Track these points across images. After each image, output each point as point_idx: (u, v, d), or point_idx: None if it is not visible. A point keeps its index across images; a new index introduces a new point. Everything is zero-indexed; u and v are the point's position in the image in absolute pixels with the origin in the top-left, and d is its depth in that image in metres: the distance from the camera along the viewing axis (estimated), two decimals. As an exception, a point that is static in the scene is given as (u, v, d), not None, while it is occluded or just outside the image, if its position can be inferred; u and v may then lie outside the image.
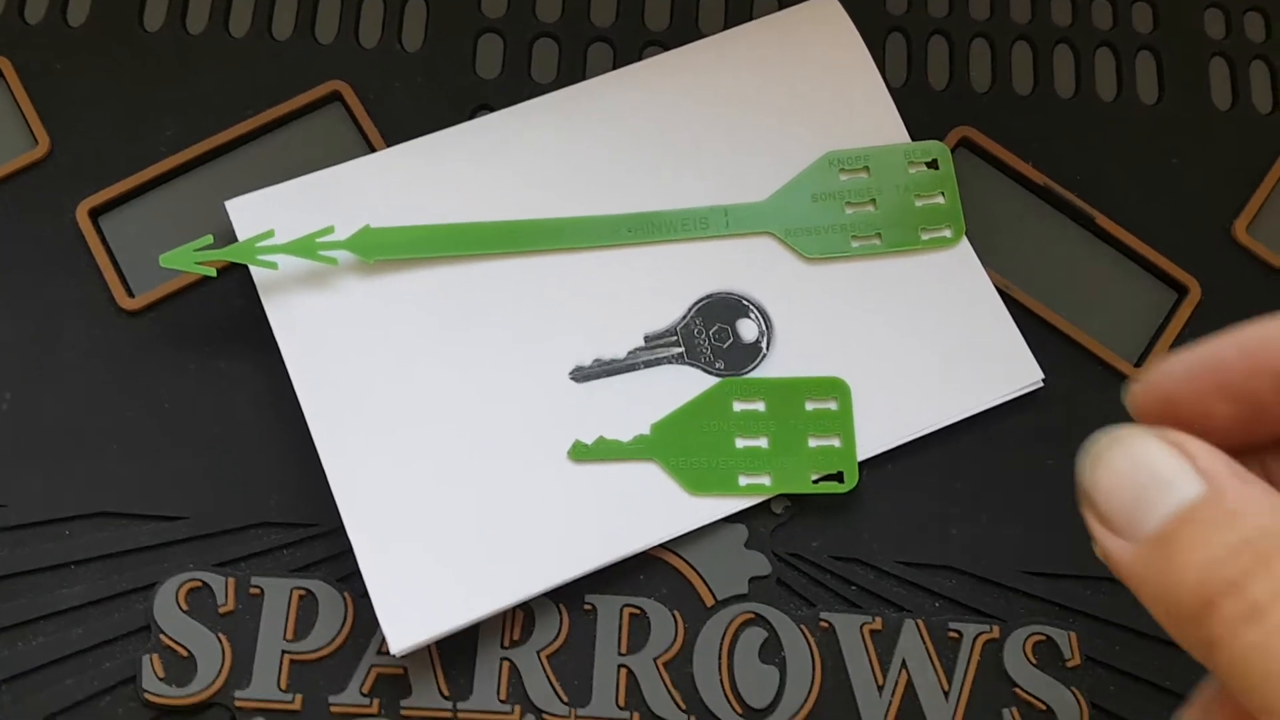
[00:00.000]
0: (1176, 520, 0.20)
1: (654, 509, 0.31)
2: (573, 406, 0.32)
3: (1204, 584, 0.19)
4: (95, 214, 0.34)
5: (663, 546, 0.31)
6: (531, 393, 0.32)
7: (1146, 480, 0.21)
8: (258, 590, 0.31)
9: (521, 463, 0.31)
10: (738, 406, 0.32)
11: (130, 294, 0.33)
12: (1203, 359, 0.22)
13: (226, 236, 0.33)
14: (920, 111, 0.36)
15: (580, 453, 0.31)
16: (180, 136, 0.35)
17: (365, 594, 0.30)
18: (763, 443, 0.32)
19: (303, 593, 0.31)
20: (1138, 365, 0.34)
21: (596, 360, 0.32)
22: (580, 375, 0.32)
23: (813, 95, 0.36)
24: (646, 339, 0.33)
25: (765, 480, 0.31)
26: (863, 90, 0.36)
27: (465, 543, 0.31)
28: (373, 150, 0.35)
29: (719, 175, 0.35)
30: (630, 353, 0.33)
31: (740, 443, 0.32)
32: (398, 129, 0.35)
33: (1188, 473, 0.21)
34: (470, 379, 0.32)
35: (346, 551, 0.31)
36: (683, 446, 0.32)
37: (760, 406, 0.32)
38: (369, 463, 0.31)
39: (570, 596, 0.31)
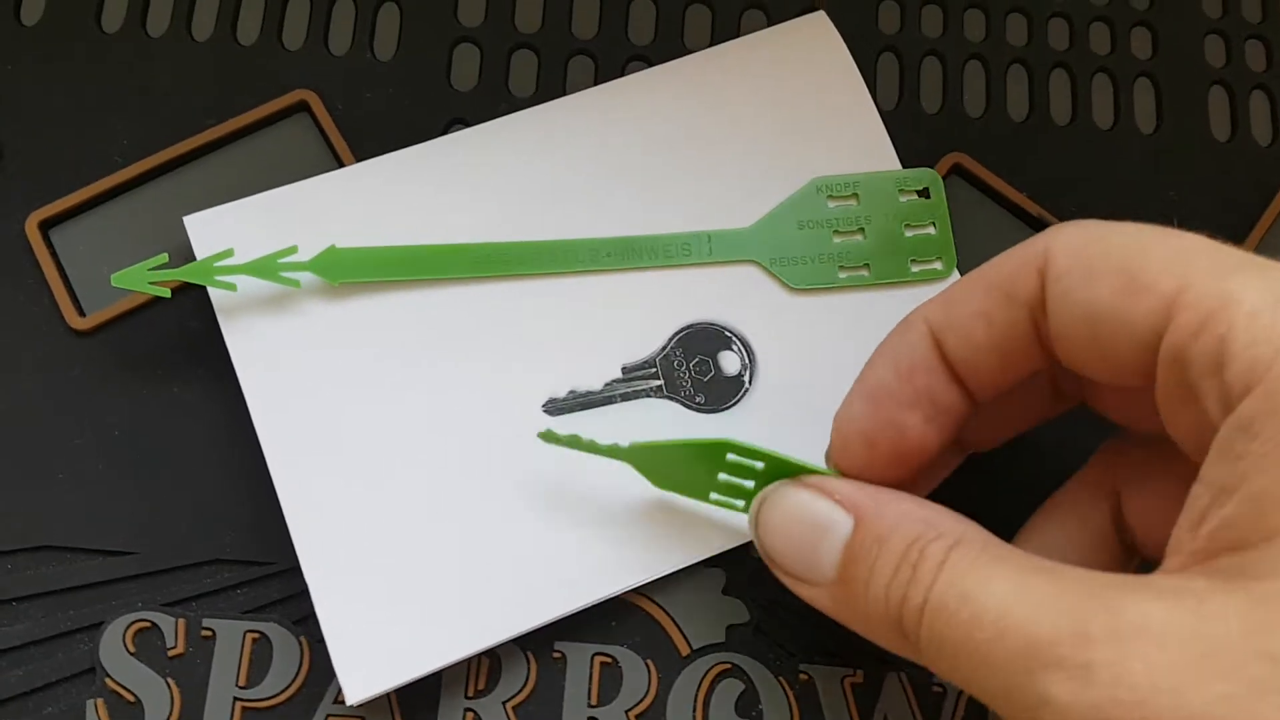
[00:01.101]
0: (844, 562, 0.23)
1: (629, 551, 0.30)
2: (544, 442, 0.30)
3: (887, 606, 0.23)
4: (45, 226, 0.32)
5: (636, 591, 0.30)
6: (502, 426, 0.30)
7: (806, 530, 0.24)
8: (209, 632, 0.29)
9: (490, 501, 0.30)
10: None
11: (81, 313, 0.32)
12: (871, 392, 0.25)
13: (184, 253, 0.31)
14: (912, 136, 0.34)
15: (551, 437, 0.28)
16: (137, 145, 0.33)
17: (322, 638, 0.28)
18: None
19: (256, 635, 0.29)
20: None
21: (571, 392, 0.31)
22: (554, 408, 0.31)
23: (801, 116, 0.34)
24: (624, 370, 0.32)
25: (740, 500, 0.28)
26: (853, 113, 0.34)
27: (429, 586, 0.29)
28: (341, 164, 0.33)
29: (702, 199, 0.33)
30: (607, 385, 0.31)
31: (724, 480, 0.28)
32: (367, 142, 0.33)
33: (836, 510, 0.24)
34: (438, 411, 0.30)
35: (303, 592, 0.29)
36: (654, 475, 0.28)
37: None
38: (328, 499, 0.30)
39: (538, 643, 0.30)
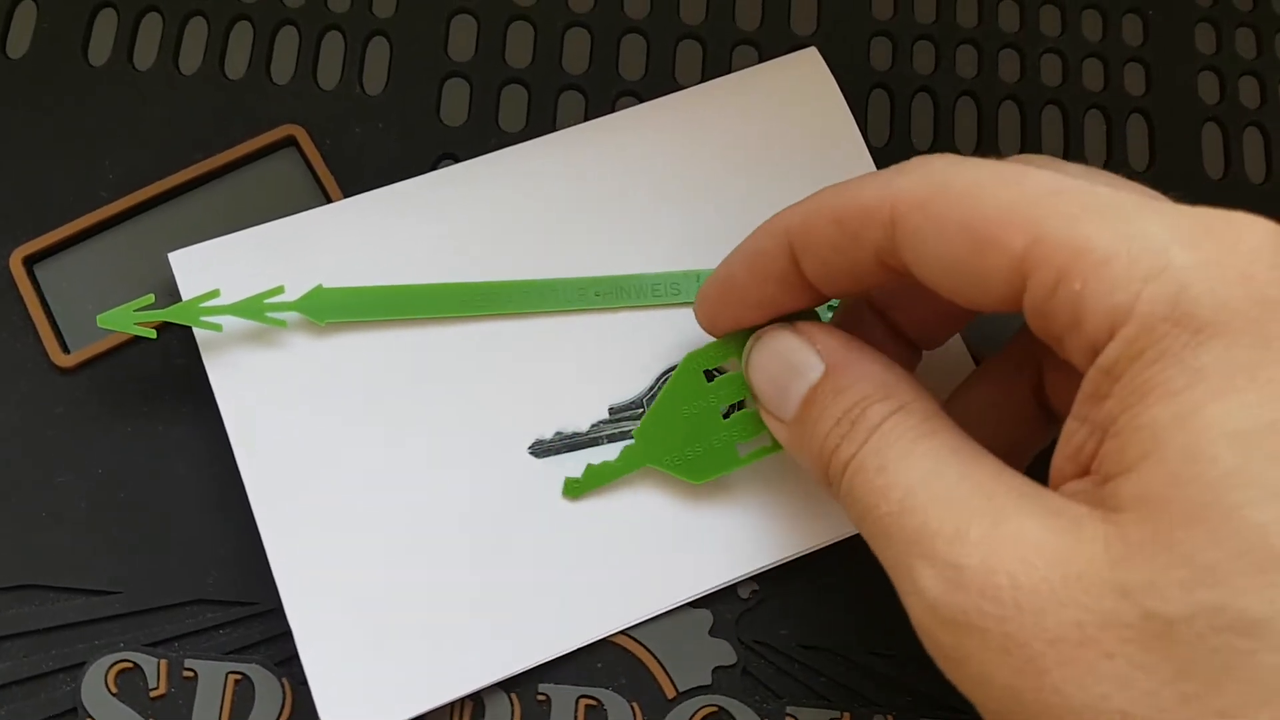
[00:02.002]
0: (804, 403, 0.25)
1: (614, 593, 0.30)
2: (531, 483, 0.30)
3: (822, 450, 0.25)
4: (30, 262, 0.32)
5: (622, 633, 0.30)
6: (488, 468, 0.30)
7: (784, 370, 0.26)
8: (191, 673, 0.29)
9: (476, 543, 0.30)
10: (710, 375, 0.29)
11: (65, 349, 0.32)
12: (724, 282, 0.28)
13: (170, 288, 0.31)
14: (903, 173, 0.34)
15: (574, 489, 0.30)
16: (123, 180, 0.33)
17: (305, 681, 0.28)
18: (750, 403, 0.29)
19: (239, 677, 0.29)
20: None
21: (558, 434, 0.31)
22: (540, 449, 0.31)
23: (792, 153, 0.34)
24: (611, 411, 0.31)
25: (766, 440, 0.29)
26: (844, 150, 0.34)
27: (413, 628, 0.29)
28: (328, 200, 0.33)
29: (691, 238, 0.33)
30: (593, 425, 0.31)
31: (726, 410, 0.30)
32: (356, 178, 0.33)
33: (813, 357, 0.25)
34: (424, 452, 0.30)
35: (286, 634, 0.29)
36: (671, 440, 0.30)
37: (734, 366, 0.29)
38: (312, 540, 0.29)
39: (523, 685, 0.29)
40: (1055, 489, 0.21)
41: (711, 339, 0.29)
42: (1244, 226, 0.20)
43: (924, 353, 0.29)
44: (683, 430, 0.29)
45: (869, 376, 0.24)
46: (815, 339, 0.26)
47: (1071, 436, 0.21)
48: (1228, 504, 0.18)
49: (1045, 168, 0.23)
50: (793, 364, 0.26)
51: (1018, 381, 0.27)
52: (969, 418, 0.25)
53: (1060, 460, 0.21)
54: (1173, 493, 0.19)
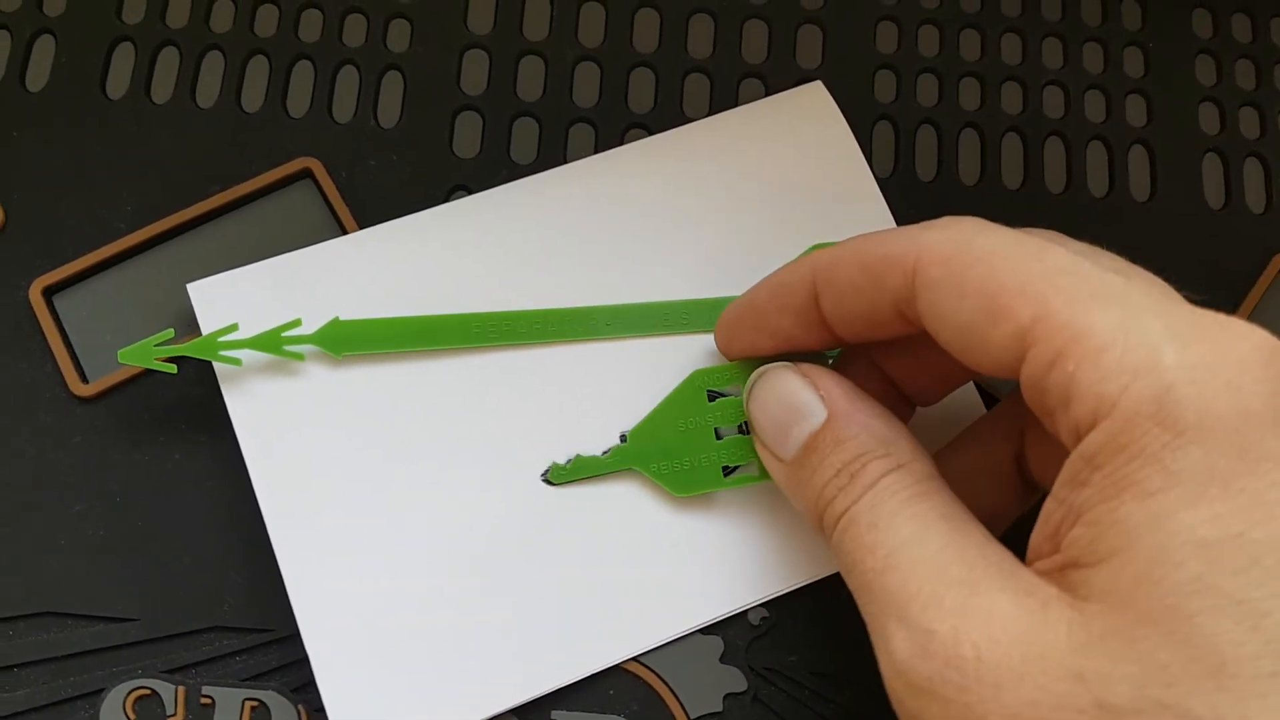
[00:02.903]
0: (804, 448, 0.26)
1: (627, 620, 0.30)
2: (545, 511, 0.31)
3: (819, 499, 0.25)
4: (49, 293, 0.33)
5: (634, 659, 0.30)
6: (504, 496, 0.31)
7: (786, 410, 0.27)
8: (208, 700, 0.29)
9: (491, 571, 0.30)
10: (713, 396, 0.31)
11: (84, 379, 0.32)
12: (746, 306, 0.29)
13: (188, 319, 0.32)
14: (908, 203, 0.35)
15: (560, 474, 0.31)
16: (141, 212, 0.34)
17: (321, 707, 0.29)
18: (744, 429, 0.30)
19: (255, 704, 0.29)
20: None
21: (572, 460, 0.31)
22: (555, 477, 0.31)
23: (799, 184, 0.35)
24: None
25: (752, 469, 0.30)
26: (850, 181, 0.35)
27: (428, 655, 0.29)
28: (344, 231, 0.34)
29: (701, 266, 0.33)
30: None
31: (722, 433, 0.30)
32: (370, 209, 0.34)
33: (816, 401, 0.26)
34: (440, 480, 0.31)
35: (302, 660, 0.29)
36: (662, 449, 0.31)
37: (736, 391, 0.30)
38: (328, 567, 0.30)
39: (536, 712, 0.30)
40: (1031, 564, 0.22)
41: (721, 361, 0.30)
42: (1238, 334, 0.20)
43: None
44: (675, 442, 0.30)
45: (870, 430, 0.25)
46: (819, 383, 0.26)
47: (1050, 516, 0.22)
48: (1187, 610, 0.19)
49: (1068, 248, 0.24)
50: (795, 406, 0.27)
51: (1001, 449, 0.28)
52: (951, 482, 0.26)
53: (1038, 538, 0.22)
54: (1138, 592, 0.19)
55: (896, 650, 0.22)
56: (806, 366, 0.27)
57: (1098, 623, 0.20)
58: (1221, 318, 0.21)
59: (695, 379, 0.31)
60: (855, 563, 0.24)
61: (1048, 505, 0.22)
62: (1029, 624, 0.21)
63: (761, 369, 0.28)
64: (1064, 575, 0.21)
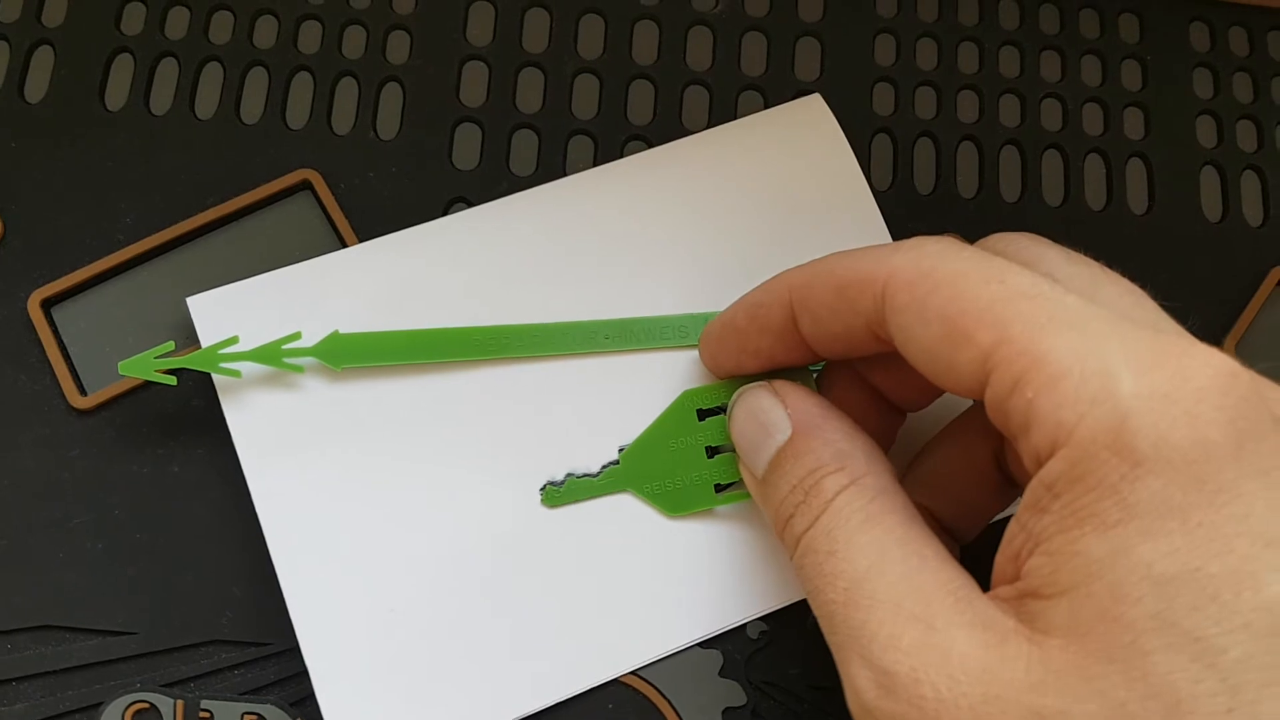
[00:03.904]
0: (770, 465, 0.26)
1: (626, 634, 0.30)
2: (543, 525, 0.31)
3: (779, 514, 0.26)
4: (48, 305, 0.33)
5: (633, 674, 0.30)
6: (500, 510, 0.31)
7: (758, 427, 0.27)
8: (207, 714, 0.29)
9: (489, 585, 0.30)
10: (703, 414, 0.31)
11: (82, 391, 0.32)
12: (725, 324, 0.29)
13: (187, 331, 0.32)
14: (905, 216, 0.35)
15: (554, 498, 0.31)
16: (140, 224, 0.34)
17: (320, 721, 0.29)
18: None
19: (254, 717, 0.29)
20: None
21: (569, 475, 0.31)
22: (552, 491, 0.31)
23: (797, 197, 0.35)
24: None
25: (743, 487, 0.30)
26: (848, 194, 0.35)
27: (427, 668, 0.29)
28: (343, 244, 0.34)
29: (700, 280, 0.33)
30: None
31: (712, 451, 0.31)
32: (370, 221, 0.34)
33: (783, 418, 0.26)
34: (438, 494, 0.31)
35: (301, 673, 0.29)
36: (654, 470, 0.31)
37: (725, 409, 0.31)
38: (327, 580, 0.30)
39: (536, 726, 0.30)
40: (994, 588, 0.22)
41: (712, 379, 0.31)
42: (1198, 361, 0.20)
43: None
44: (666, 462, 0.31)
45: (829, 444, 0.25)
46: (788, 400, 0.27)
47: (1012, 540, 0.22)
48: (1145, 647, 0.19)
49: (1045, 257, 0.24)
50: (764, 423, 0.27)
51: (980, 445, 0.28)
52: (932, 479, 0.26)
53: (1001, 561, 0.22)
54: (1096, 628, 0.19)
55: (862, 689, 0.22)
56: (780, 384, 0.28)
57: (1056, 659, 0.20)
58: (1183, 342, 0.21)
59: (685, 398, 0.31)
60: (817, 591, 0.24)
61: (1011, 527, 0.22)
62: (987, 660, 0.21)
63: (742, 389, 0.29)
64: (1023, 604, 0.21)
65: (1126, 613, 0.19)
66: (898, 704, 0.21)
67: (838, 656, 0.23)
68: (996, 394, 0.22)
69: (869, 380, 0.29)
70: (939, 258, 0.23)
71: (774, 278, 0.28)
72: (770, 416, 0.27)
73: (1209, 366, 0.20)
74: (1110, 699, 0.19)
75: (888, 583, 0.23)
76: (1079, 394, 0.20)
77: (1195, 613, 0.19)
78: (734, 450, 0.29)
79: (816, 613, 0.24)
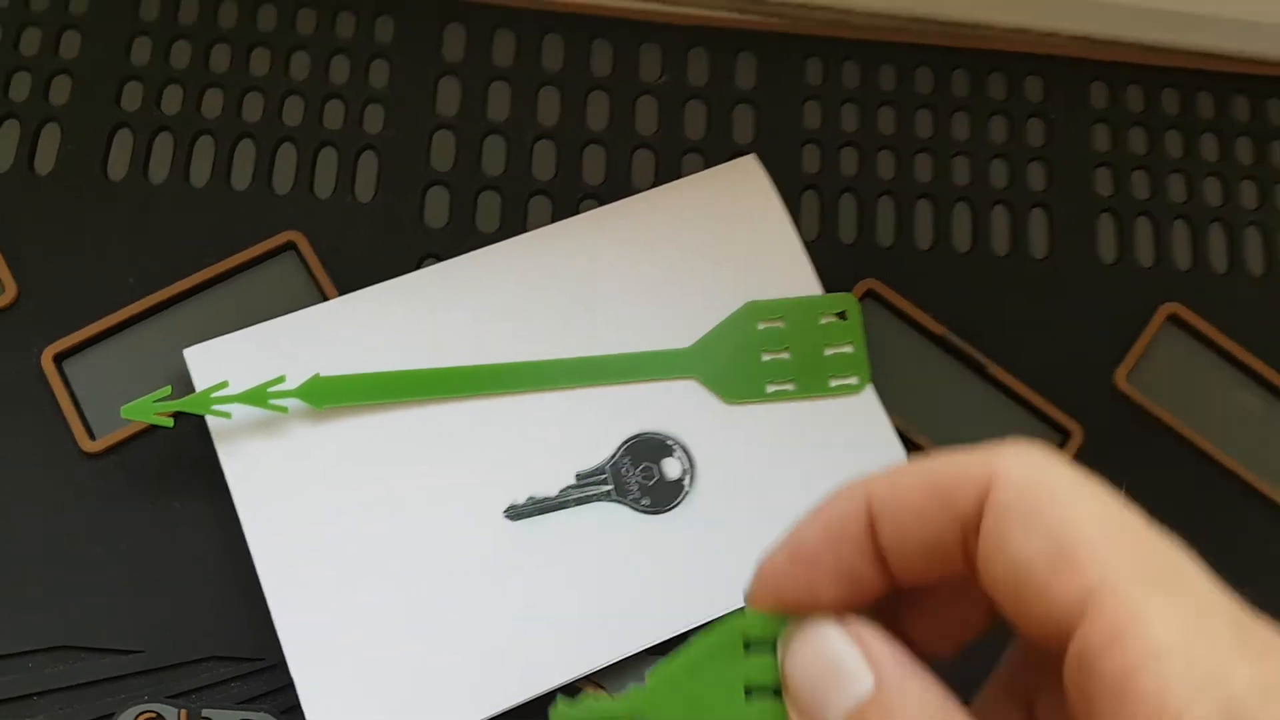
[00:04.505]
0: (849, 718, 0.22)
1: (587, 637, 0.34)
2: (508, 544, 0.34)
3: None
4: (60, 358, 0.36)
5: (589, 680, 0.34)
6: (470, 532, 0.34)
7: (828, 673, 0.22)
8: (208, 721, 0.33)
9: (461, 598, 0.34)
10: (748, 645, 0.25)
11: (92, 436, 0.36)
12: (796, 552, 0.23)
13: (184, 380, 0.35)
14: (831, 263, 0.39)
15: (564, 716, 0.25)
16: (141, 283, 0.37)
17: (309, 726, 0.32)
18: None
19: (251, 724, 0.33)
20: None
21: (530, 498, 0.35)
22: (515, 513, 0.35)
23: (734, 248, 0.39)
24: (578, 477, 0.35)
25: None
26: (780, 244, 0.39)
27: (405, 677, 0.33)
28: (325, 297, 0.38)
29: (647, 323, 0.37)
30: (562, 490, 0.35)
31: (752, 692, 0.24)
32: (349, 276, 0.38)
33: (862, 666, 0.22)
34: (412, 519, 0.34)
35: (290, 685, 0.33)
36: (683, 705, 0.24)
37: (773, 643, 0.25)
38: (311, 601, 0.33)
39: (503, 726, 0.33)
40: None
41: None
42: None
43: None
44: (700, 696, 0.24)
45: (924, 708, 0.21)
46: (868, 645, 0.22)
47: None
48: None
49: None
50: (838, 670, 0.22)
51: (1010, 714, 0.25)
52: None
53: None
54: None
55: None
56: (854, 622, 0.23)
57: None
58: (1273, 628, 0.19)
59: (733, 622, 0.24)
60: None
61: None
62: None
63: (802, 621, 0.23)
64: None
65: None
66: None
67: None
68: (1086, 646, 0.19)
69: (898, 623, 0.24)
70: (1055, 468, 0.21)
71: (847, 485, 0.23)
72: (846, 663, 0.22)
73: None
74: None
75: None
76: (1188, 677, 0.18)
77: None
78: (778, 693, 0.24)
79: None
